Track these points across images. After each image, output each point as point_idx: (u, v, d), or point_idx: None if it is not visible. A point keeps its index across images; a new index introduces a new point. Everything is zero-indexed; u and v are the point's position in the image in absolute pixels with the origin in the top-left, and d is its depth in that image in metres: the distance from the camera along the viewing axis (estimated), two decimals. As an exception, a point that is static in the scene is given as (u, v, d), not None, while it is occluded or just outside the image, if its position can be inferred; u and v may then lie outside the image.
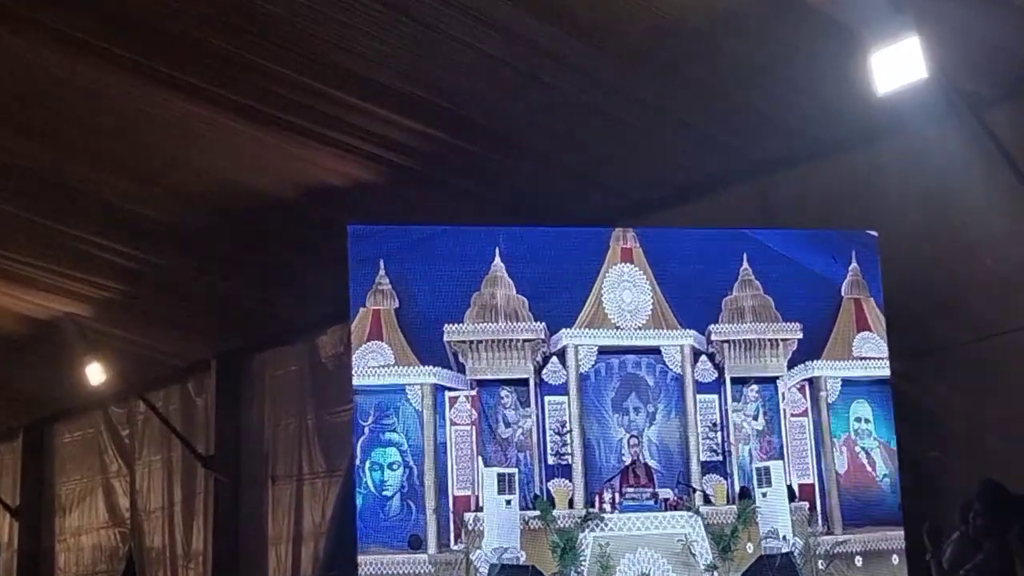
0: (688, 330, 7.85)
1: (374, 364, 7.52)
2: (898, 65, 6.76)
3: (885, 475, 7.91)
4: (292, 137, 8.67)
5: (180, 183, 9.55)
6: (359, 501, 7.42)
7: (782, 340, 7.90)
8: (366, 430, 7.52)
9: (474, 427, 7.57)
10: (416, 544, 7.34)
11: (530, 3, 7.13)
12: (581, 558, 7.39)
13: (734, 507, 7.67)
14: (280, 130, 8.59)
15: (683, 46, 7.38)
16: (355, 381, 7.50)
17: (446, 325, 7.55)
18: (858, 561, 7.73)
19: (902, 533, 7.72)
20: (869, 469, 7.92)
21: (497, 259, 7.67)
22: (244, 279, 11.28)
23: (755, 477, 7.78)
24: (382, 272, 7.58)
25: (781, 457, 7.85)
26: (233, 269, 11.03)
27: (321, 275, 9.26)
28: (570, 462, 7.59)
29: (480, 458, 7.54)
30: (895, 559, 7.77)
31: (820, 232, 8.08)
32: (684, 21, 7.17)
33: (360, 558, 7.31)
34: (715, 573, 7.56)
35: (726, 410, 7.83)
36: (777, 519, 7.68)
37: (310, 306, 11.35)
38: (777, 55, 7.41)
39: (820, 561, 7.66)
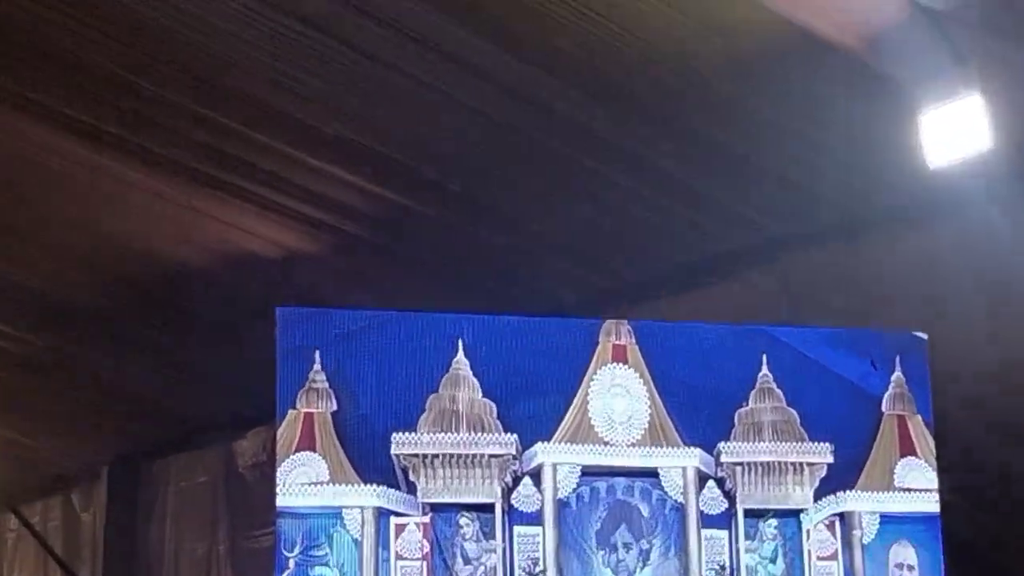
0: (693, 448, 7.79)
1: (304, 480, 7.45)
2: (956, 130, 6.73)
3: (933, 639, 7.84)
4: (212, 195, 8.61)
5: (70, 247, 9.47)
6: (279, 652, 7.32)
7: (808, 464, 7.85)
8: (291, 563, 7.43)
9: (425, 562, 7.50)
10: None
11: (511, 40, 7.04)
12: None
13: (744, 673, 7.60)
14: (197, 185, 8.54)
15: (695, 100, 7.36)
16: (279, 501, 7.39)
17: (395, 434, 7.49)
18: None
19: None
20: (913, 630, 7.85)
21: (460, 354, 7.62)
22: (147, 368, 11.21)
23: (772, 636, 7.71)
24: (318, 366, 7.51)
25: (804, 611, 7.78)
26: (134, 355, 10.94)
27: (242, 367, 9.13)
28: (544, 610, 7.52)
29: (432, 602, 7.46)
30: None
31: (857, 332, 8.06)
32: (698, 71, 7.14)
33: None
34: None
35: (737, 549, 7.78)
36: None
37: (227, 404, 11.26)
38: (809, 115, 7.39)
39: None
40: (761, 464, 7.81)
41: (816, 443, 7.87)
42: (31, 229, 9.36)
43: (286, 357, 7.49)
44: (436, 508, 7.54)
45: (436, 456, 7.51)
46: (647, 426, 7.80)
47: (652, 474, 7.80)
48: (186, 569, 12.31)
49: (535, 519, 7.64)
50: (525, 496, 7.66)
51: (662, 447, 7.79)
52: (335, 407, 7.51)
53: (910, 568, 7.90)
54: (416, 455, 7.51)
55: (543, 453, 7.64)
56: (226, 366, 10.50)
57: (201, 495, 12.28)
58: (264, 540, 10.17)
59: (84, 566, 13.18)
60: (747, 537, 7.81)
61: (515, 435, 7.60)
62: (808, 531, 7.87)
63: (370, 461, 7.51)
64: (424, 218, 8.65)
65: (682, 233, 8.64)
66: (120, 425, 12.38)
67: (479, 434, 7.58)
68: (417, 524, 7.52)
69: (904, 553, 7.90)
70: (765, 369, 7.89)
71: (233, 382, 10.56)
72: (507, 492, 7.61)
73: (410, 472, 7.51)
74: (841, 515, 7.87)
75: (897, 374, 7.97)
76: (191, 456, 12.46)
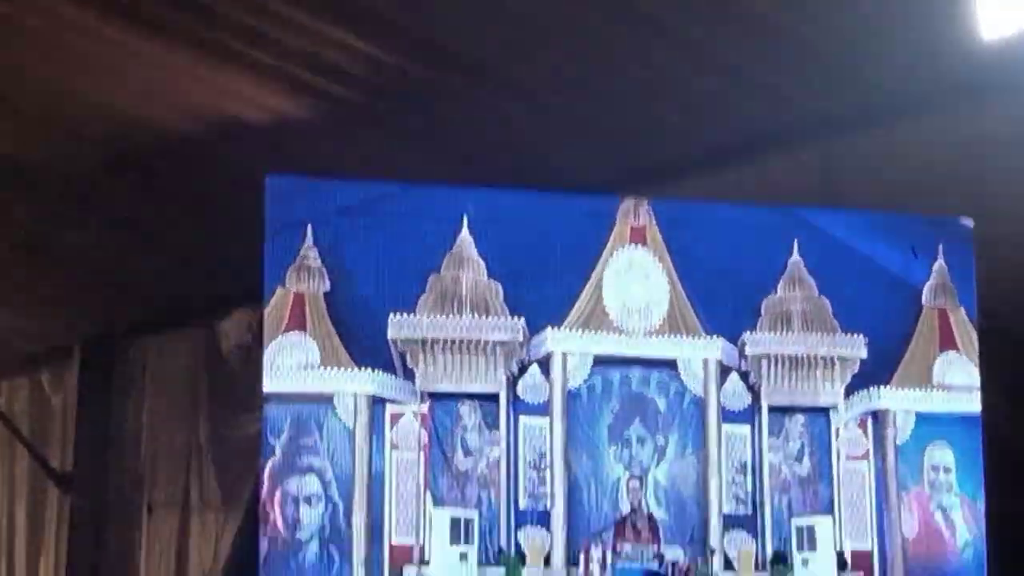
0: (715, 338, 7.83)
1: (293, 364, 7.49)
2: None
3: (967, 543, 7.91)
4: (195, 54, 8.56)
5: (39, 108, 9.43)
6: (263, 545, 7.39)
7: (839, 358, 7.88)
8: (278, 451, 7.49)
9: (423, 454, 7.55)
10: (339, 606, 7.31)
11: None
12: (558, 635, 7.41)
13: (765, 576, 7.68)
14: (179, 43, 8.48)
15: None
16: (266, 385, 7.45)
17: (392, 316, 7.51)
18: (927, 657, 7.75)
19: (987, 622, 7.74)
20: (947, 534, 7.92)
21: (464, 231, 7.63)
22: (125, 241, 11.20)
23: (794, 538, 7.78)
24: (309, 242, 7.53)
25: (831, 513, 7.84)
26: (110, 227, 10.93)
27: (227, 241, 9.14)
28: (549, 507, 7.56)
29: (429, 495, 7.51)
30: (976, 656, 7.80)
31: (898, 217, 8.07)
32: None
33: (263, 623, 7.32)
34: (735, 664, 7.55)
35: (760, 447, 7.82)
36: (822, 597, 7.68)
37: (211, 281, 11.27)
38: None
39: (876, 656, 7.67)
40: (789, 357, 7.84)
41: (849, 335, 7.89)
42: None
43: (275, 231, 7.51)
44: (435, 397, 7.58)
45: (436, 341, 7.53)
46: (666, 314, 7.82)
47: (670, 365, 7.82)
48: (164, 457, 12.36)
49: (542, 410, 7.67)
50: (532, 386, 7.69)
51: (682, 336, 7.80)
52: (328, 286, 7.53)
53: (947, 470, 7.95)
54: (415, 339, 7.53)
55: (552, 340, 7.66)
56: (210, 240, 10.50)
57: (181, 379, 12.29)
58: (249, 427, 10.24)
59: (53, 451, 13.23)
60: (771, 434, 7.86)
61: (522, 320, 7.62)
62: (838, 430, 7.91)
63: (365, 345, 7.53)
64: (431, 85, 8.60)
65: (714, 109, 8.59)
66: (95, 303, 12.38)
67: (483, 318, 7.60)
68: (415, 413, 7.56)
69: (940, 455, 7.94)
70: (796, 255, 7.89)
71: (218, 258, 10.56)
72: (512, 381, 7.63)
73: (408, 357, 7.53)
74: (874, 413, 7.90)
75: (939, 263, 7.98)
76: (171, 337, 12.47)
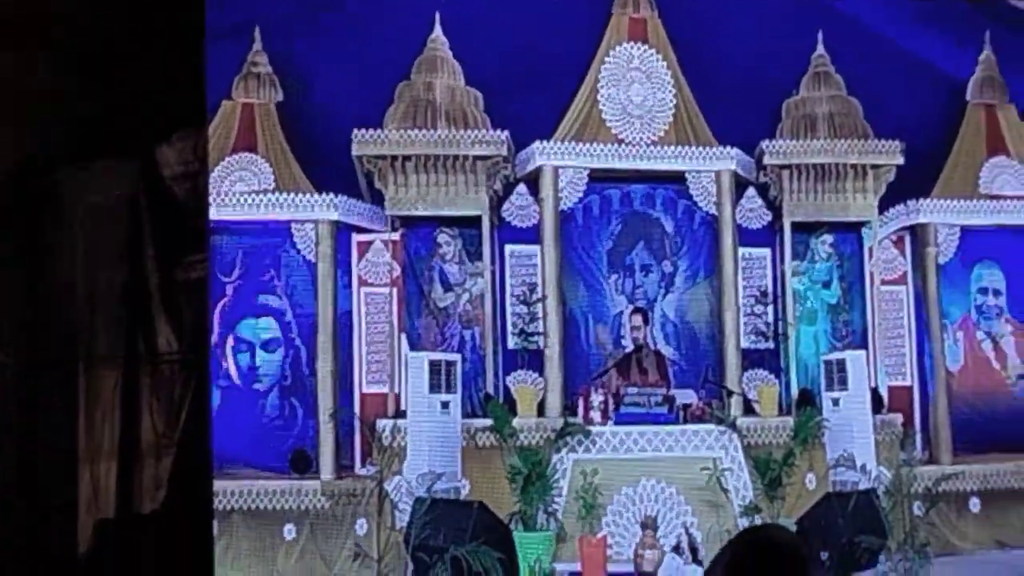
0: (729, 147, 7.81)
1: (243, 188, 7.46)
2: None
3: (1022, 376, 7.90)
4: None
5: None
6: (216, 396, 7.42)
7: (872, 167, 7.92)
8: (229, 289, 7.51)
9: (395, 288, 7.63)
10: (302, 464, 7.39)
11: None
12: (554, 491, 7.41)
13: (789, 420, 7.71)
14: None
15: None
16: (213, 213, 7.44)
17: (356, 131, 7.49)
18: (974, 505, 7.80)
19: (1046, 467, 7.77)
20: (997, 366, 8.02)
21: (437, 30, 7.61)
22: (44, 54, 11.05)
23: (823, 375, 7.79)
24: (258, 46, 7.54)
25: (864, 346, 7.86)
26: (26, 36, 10.78)
27: (165, 50, 9.04)
28: (541, 346, 7.57)
29: (404, 336, 7.52)
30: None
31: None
32: None
33: (217, 485, 7.31)
34: (757, 517, 7.57)
35: (782, 272, 7.83)
36: (854, 439, 7.75)
37: (147, 99, 11.15)
38: None
39: (917, 503, 7.69)
40: (814, 166, 7.92)
41: (883, 140, 7.89)
42: None
43: (217, 34, 7.47)
44: (408, 222, 7.60)
45: (407, 158, 7.59)
46: (672, 120, 7.84)
47: (678, 179, 7.87)
48: (103, 305, 12.32)
49: (531, 236, 7.74)
50: (519, 207, 7.75)
51: (690, 146, 7.82)
52: (281, 96, 7.55)
53: (997, 293, 8.02)
54: (383, 156, 7.57)
55: (542, 154, 7.73)
56: (144, 51, 10.39)
57: (119, 212, 12.22)
58: (202, 268, 10.22)
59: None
60: (795, 256, 7.95)
61: (506, 131, 7.64)
62: (871, 249, 7.93)
63: (326, 164, 7.56)
64: None
65: None
66: (16, 127, 12.28)
67: (461, 130, 7.66)
68: (385, 242, 7.59)
69: (989, 275, 8.03)
70: (820, 48, 7.91)
71: (153, 72, 10.45)
72: (497, 203, 7.64)
73: (376, 178, 7.56)
74: (912, 229, 7.94)
75: (986, 52, 7.98)
76: (104, 165, 12.28)
